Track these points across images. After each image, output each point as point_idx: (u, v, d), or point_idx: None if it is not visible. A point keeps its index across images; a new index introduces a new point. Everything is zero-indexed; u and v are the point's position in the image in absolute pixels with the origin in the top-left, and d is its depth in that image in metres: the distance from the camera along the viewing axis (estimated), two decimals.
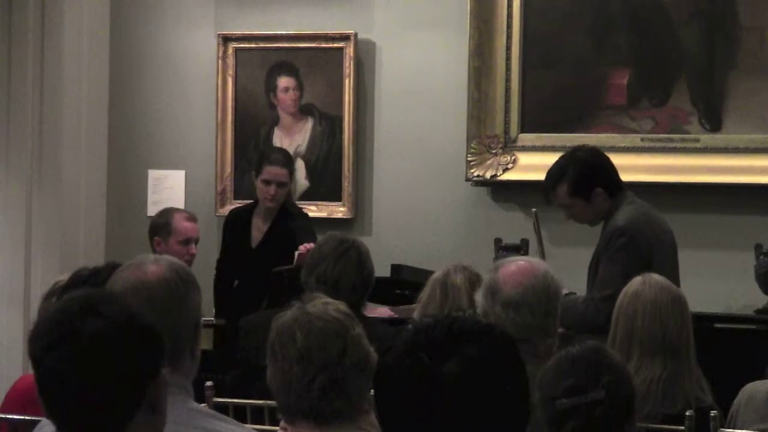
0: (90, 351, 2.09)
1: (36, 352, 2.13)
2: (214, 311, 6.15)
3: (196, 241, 6.07)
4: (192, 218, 6.10)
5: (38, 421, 2.78)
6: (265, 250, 6.04)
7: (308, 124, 6.87)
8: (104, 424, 2.12)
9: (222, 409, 3.73)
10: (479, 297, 3.75)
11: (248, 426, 3.18)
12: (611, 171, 5.14)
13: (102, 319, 2.12)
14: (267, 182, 6.10)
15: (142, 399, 2.13)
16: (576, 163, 5.12)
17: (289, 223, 6.06)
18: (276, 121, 6.91)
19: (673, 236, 5.18)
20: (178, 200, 6.96)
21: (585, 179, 5.06)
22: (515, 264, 3.76)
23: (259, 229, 6.20)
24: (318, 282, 4.28)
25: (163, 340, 2.20)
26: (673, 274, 4.87)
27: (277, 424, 3.03)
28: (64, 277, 3.74)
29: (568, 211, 5.18)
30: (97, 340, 2.10)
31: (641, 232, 4.98)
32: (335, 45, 6.78)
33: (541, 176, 6.25)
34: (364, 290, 4.40)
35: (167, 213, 6.14)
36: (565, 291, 4.74)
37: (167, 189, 7.05)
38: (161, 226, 6.05)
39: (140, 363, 2.13)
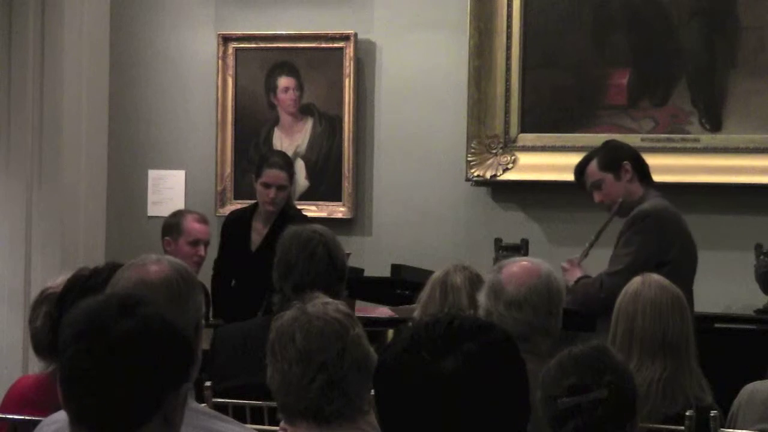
0: (114, 349, 2.09)
1: (64, 339, 2.14)
2: (212, 311, 6.15)
3: (206, 244, 6.08)
4: (203, 220, 6.13)
5: (38, 422, 2.78)
6: (265, 254, 6.02)
7: (308, 124, 6.87)
8: (114, 425, 2.11)
9: (222, 409, 3.73)
10: (482, 297, 3.76)
11: (248, 426, 3.18)
12: (639, 156, 5.40)
13: (135, 320, 2.12)
14: (267, 185, 6.09)
15: (158, 408, 2.12)
16: (606, 144, 5.52)
17: (288, 226, 6.03)
18: (276, 121, 6.91)
19: (694, 243, 5.30)
20: (178, 200, 6.97)
21: (613, 152, 5.37)
22: (518, 264, 3.79)
23: (258, 232, 6.19)
24: (294, 290, 4.20)
25: (193, 356, 2.20)
26: (688, 278, 4.93)
27: (277, 424, 3.03)
28: (53, 283, 3.74)
29: (599, 192, 5.33)
30: (124, 339, 2.10)
31: (664, 220, 5.14)
32: (335, 45, 6.79)
33: (541, 176, 6.30)
34: (339, 285, 4.28)
35: (179, 214, 6.18)
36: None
37: (167, 189, 7.06)
38: (172, 226, 6.09)
39: (162, 372, 2.12)
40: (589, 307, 5.00)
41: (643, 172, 5.32)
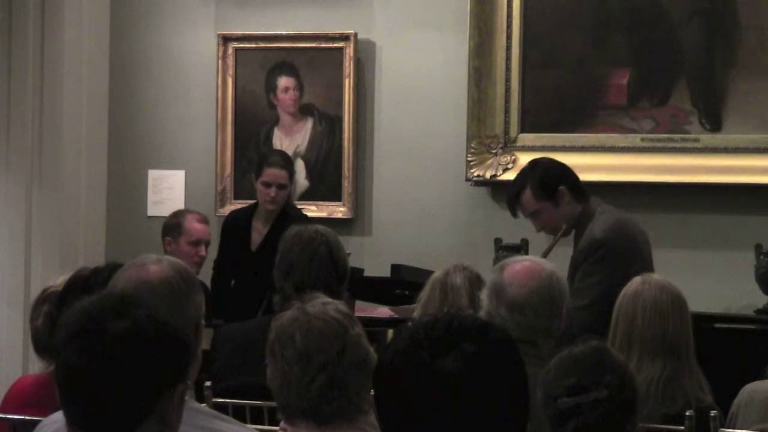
0: (110, 350, 2.10)
1: (60, 340, 2.14)
2: (212, 311, 6.14)
3: (207, 244, 6.09)
4: (203, 220, 6.14)
5: (38, 422, 2.78)
6: (265, 254, 6.01)
7: (308, 124, 6.87)
8: (110, 426, 2.11)
9: (221, 409, 3.73)
10: (484, 296, 3.73)
11: (248, 426, 3.18)
12: (572, 173, 5.21)
13: (130, 321, 2.12)
14: (267, 184, 6.09)
15: (153, 409, 2.12)
16: (535, 169, 5.24)
17: (289, 225, 6.03)
18: (276, 121, 6.91)
19: (647, 236, 5.19)
20: (178, 200, 6.97)
21: (547, 179, 5.14)
22: (521, 264, 3.74)
23: (259, 232, 6.19)
24: (296, 290, 4.21)
25: (189, 356, 2.20)
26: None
27: (277, 424, 3.03)
28: (54, 282, 3.74)
29: (538, 220, 5.20)
30: (119, 340, 2.10)
31: (618, 241, 4.99)
32: (335, 45, 6.78)
33: None
34: (340, 285, 4.30)
35: (180, 214, 6.19)
36: None
37: (167, 189, 7.06)
38: (173, 226, 6.09)
39: (156, 372, 2.13)
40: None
41: (578, 189, 5.15)
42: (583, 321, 4.60)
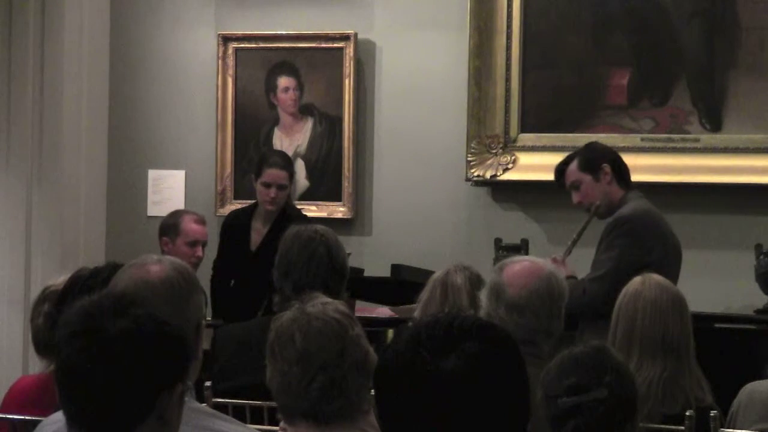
0: (110, 349, 2.10)
1: (60, 339, 2.15)
2: (212, 311, 6.15)
3: (204, 244, 6.08)
4: (201, 221, 6.12)
5: (38, 422, 2.78)
6: (265, 254, 6.02)
7: (308, 124, 6.87)
8: (110, 425, 2.12)
9: (221, 409, 3.73)
10: (483, 297, 3.74)
11: (249, 426, 3.18)
12: (619, 159, 5.41)
13: (130, 320, 2.13)
14: (267, 185, 6.09)
15: (152, 408, 2.13)
16: (588, 145, 5.54)
17: (288, 226, 6.03)
18: (276, 121, 6.92)
19: (679, 241, 5.26)
20: (178, 200, 6.97)
21: (594, 153, 5.39)
22: (520, 264, 3.75)
23: (258, 232, 6.19)
24: (294, 290, 4.22)
25: (188, 355, 2.20)
26: (672, 278, 4.92)
27: (277, 424, 3.03)
28: (55, 282, 3.74)
29: (577, 192, 5.35)
30: (119, 339, 2.11)
31: (644, 223, 5.15)
32: (335, 45, 6.79)
33: (541, 176, 6.30)
34: (340, 285, 4.30)
35: (177, 214, 6.17)
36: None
37: (167, 189, 7.06)
38: (170, 226, 6.08)
39: (155, 372, 2.13)
40: (571, 311, 4.99)
41: (622, 174, 5.34)
42: (595, 292, 4.90)
